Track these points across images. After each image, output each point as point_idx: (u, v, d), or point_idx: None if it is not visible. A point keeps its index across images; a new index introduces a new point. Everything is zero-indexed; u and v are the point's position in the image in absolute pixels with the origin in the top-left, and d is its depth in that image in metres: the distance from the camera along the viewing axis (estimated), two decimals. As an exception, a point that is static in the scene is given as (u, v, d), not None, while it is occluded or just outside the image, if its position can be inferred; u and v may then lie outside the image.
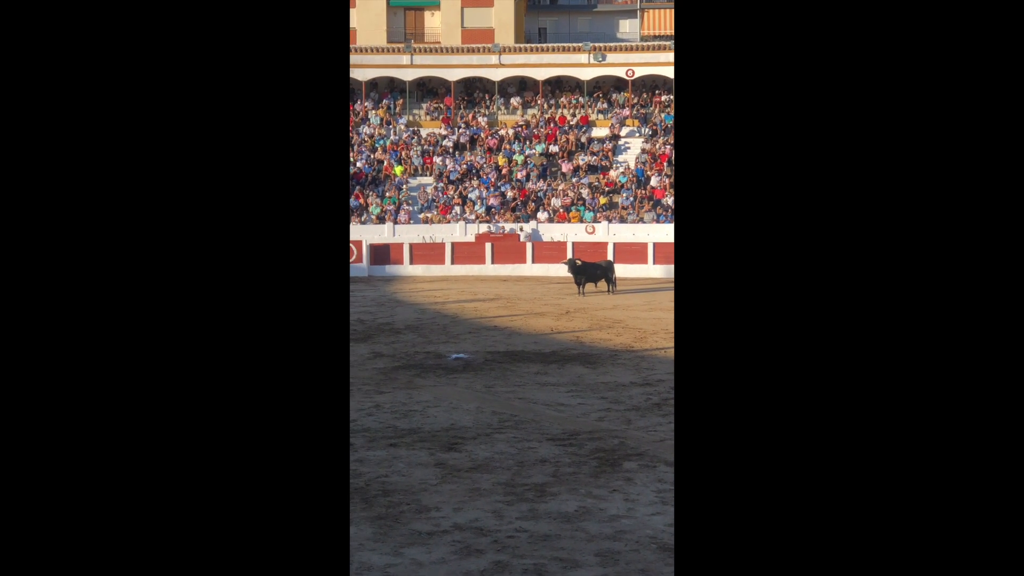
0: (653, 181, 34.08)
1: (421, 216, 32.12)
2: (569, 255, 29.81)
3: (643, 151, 35.40)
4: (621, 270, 29.50)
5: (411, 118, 35.93)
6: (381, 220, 31.48)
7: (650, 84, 37.78)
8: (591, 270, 27.33)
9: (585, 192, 33.77)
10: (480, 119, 35.93)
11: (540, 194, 33.50)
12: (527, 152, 35.07)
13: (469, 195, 32.70)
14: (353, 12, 36.18)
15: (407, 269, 30.23)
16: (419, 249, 30.57)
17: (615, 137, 36.21)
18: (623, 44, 38.63)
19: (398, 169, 33.64)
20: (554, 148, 35.40)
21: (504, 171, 33.78)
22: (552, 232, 32.21)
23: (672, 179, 32.74)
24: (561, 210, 33.11)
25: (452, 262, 30.47)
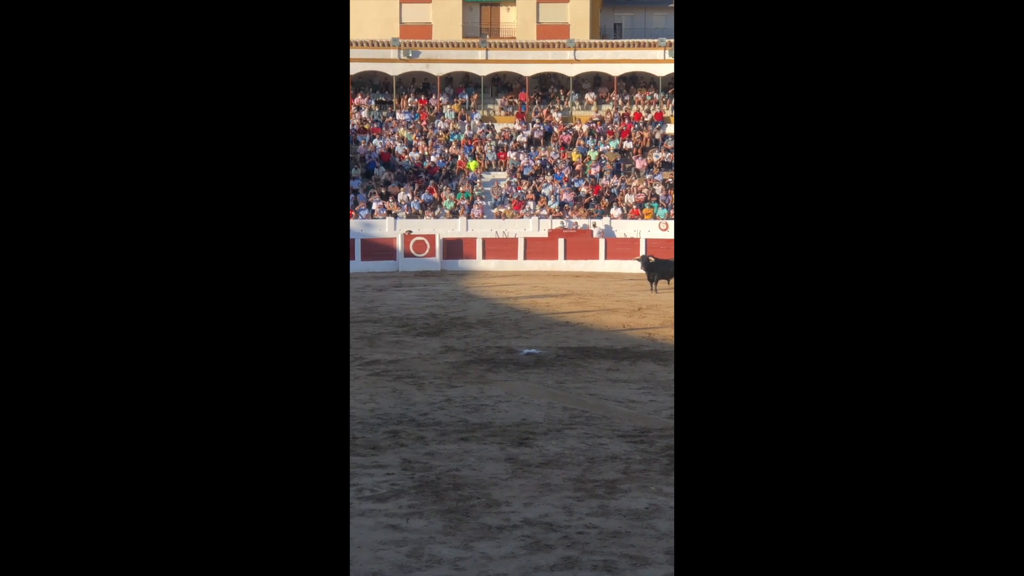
0: (728, 178, 33.70)
1: (494, 211, 32.18)
2: (642, 252, 29.68)
3: (718, 147, 34.99)
4: (694, 267, 29.18)
5: (485, 113, 35.99)
6: (454, 214, 31.60)
7: (726, 80, 37.35)
8: (664, 267, 27.18)
9: (659, 189, 33.59)
10: (554, 114, 35.89)
11: (614, 190, 33.39)
12: (601, 148, 34.97)
13: (542, 190, 32.69)
14: (429, 7, 36.33)
15: (480, 264, 30.30)
16: (492, 244, 30.62)
17: (690, 133, 35.84)
18: (699, 40, 38.19)
19: (472, 164, 33.73)
20: (628, 144, 35.25)
21: (578, 167, 33.72)
22: (625, 228, 32.08)
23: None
24: (634, 206, 32.97)
25: (525, 257, 30.48)
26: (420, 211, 31.50)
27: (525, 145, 34.68)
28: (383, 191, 31.85)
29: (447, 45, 35.85)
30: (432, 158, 33.69)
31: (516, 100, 36.33)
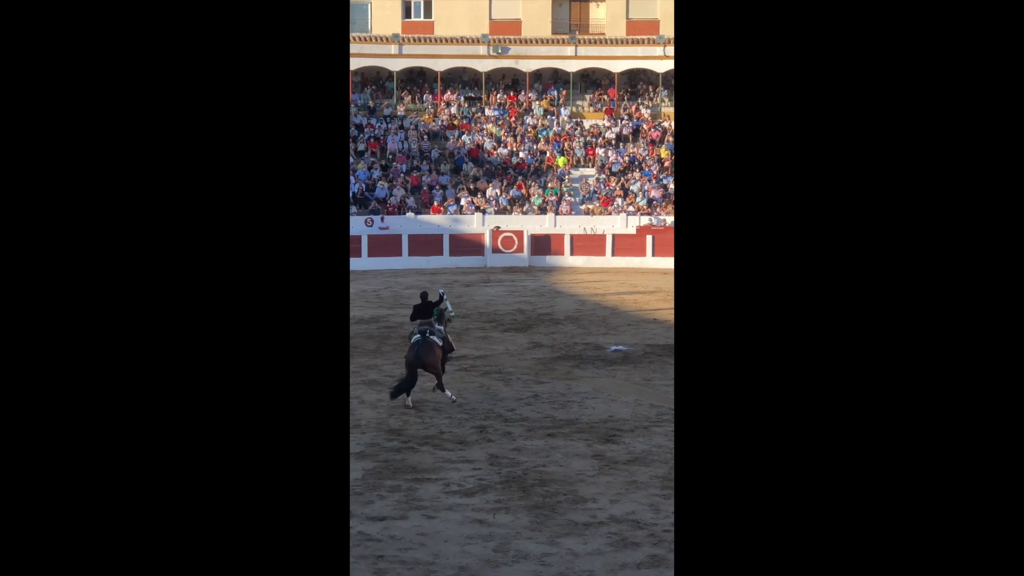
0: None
1: (582, 207, 32.15)
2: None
3: (810, 144, 34.56)
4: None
5: (574, 109, 35.97)
6: (543, 210, 31.63)
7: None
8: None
9: (749, 185, 33.18)
10: (643, 111, 35.73)
11: (703, 186, 33.03)
12: (690, 144, 34.62)
13: (631, 187, 32.56)
14: (519, 4, 36.39)
15: (567, 260, 30.29)
16: (580, 240, 30.58)
17: (781, 129, 35.45)
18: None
19: (561, 160, 33.73)
20: (718, 140, 34.86)
21: (666, 163, 33.51)
22: (714, 225, 31.71)
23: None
24: (724, 203, 32.60)
25: (613, 254, 30.38)
26: (508, 207, 31.59)
27: (614, 141, 34.58)
28: (471, 187, 32.02)
29: (536, 41, 35.89)
30: (521, 154, 33.76)
31: (605, 96, 36.24)
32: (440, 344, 14.58)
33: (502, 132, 34.42)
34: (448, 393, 14.56)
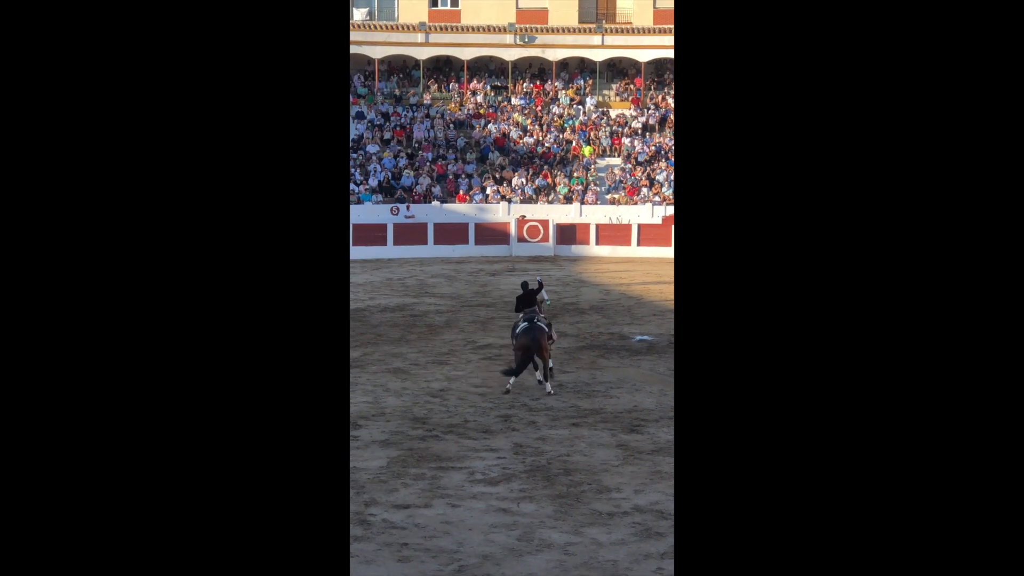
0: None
1: (608, 197, 32.07)
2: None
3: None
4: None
5: (600, 99, 35.87)
6: (568, 200, 31.57)
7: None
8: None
9: (776, 175, 33.02)
10: (670, 100, 35.58)
11: (729, 176, 32.90)
12: (717, 134, 34.46)
13: (657, 177, 32.46)
14: (546, -7, 36.32)
15: (593, 249, 30.23)
16: (605, 230, 30.52)
17: (808, 119, 35.23)
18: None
19: (587, 150, 33.65)
20: (745, 130, 34.69)
21: (693, 153, 33.40)
22: (740, 215, 31.58)
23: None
24: (750, 193, 32.46)
25: (638, 244, 30.30)
26: (534, 196, 31.56)
27: (640, 131, 34.47)
28: (497, 176, 32.00)
29: (563, 30, 35.79)
30: (547, 143, 33.71)
31: (631, 86, 36.12)
32: (547, 331, 14.70)
33: (528, 121, 34.37)
34: (548, 385, 14.54)
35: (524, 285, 15.40)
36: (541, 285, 15.67)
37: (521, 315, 14.95)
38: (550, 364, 14.67)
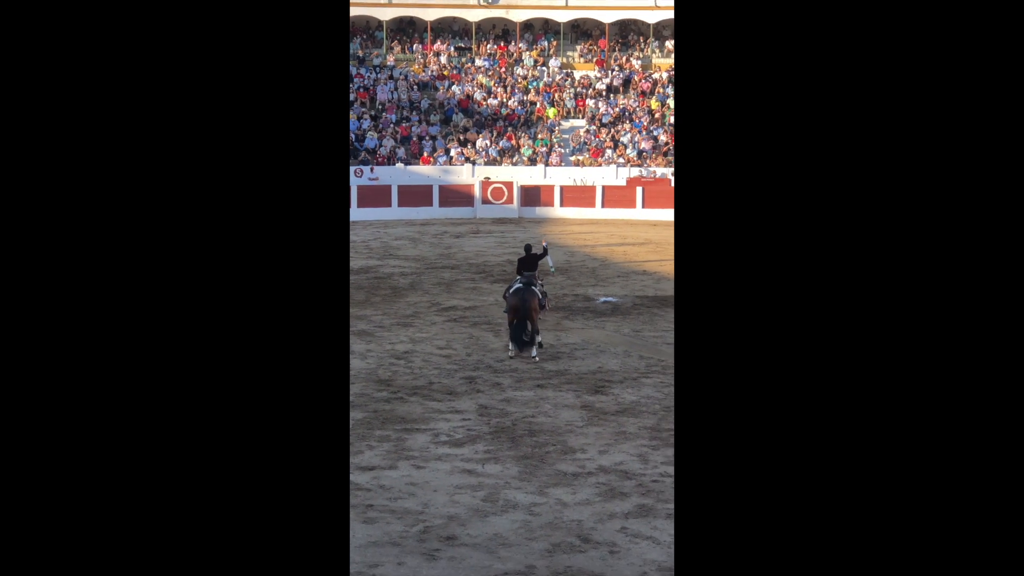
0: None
1: (572, 159, 32.00)
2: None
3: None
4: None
5: (565, 60, 35.70)
6: (532, 162, 31.49)
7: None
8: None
9: (739, 137, 33.04)
10: (634, 62, 35.49)
11: (693, 138, 32.88)
12: (681, 96, 34.43)
13: (621, 139, 32.42)
14: (509, -47, 36.00)
15: (557, 211, 30.19)
16: (569, 192, 30.47)
17: (772, 81, 35.22)
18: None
19: (551, 111, 33.54)
20: (709, 92, 34.64)
21: (657, 115, 33.36)
22: (704, 177, 31.59)
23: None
24: (714, 155, 32.46)
25: (602, 205, 30.30)
26: (498, 158, 31.43)
27: (604, 93, 34.36)
28: (461, 137, 31.84)
29: (527, -9, 35.52)
30: (511, 105, 33.55)
31: (595, 47, 35.97)
32: (540, 296, 14.56)
33: (492, 83, 34.19)
34: (534, 351, 14.44)
35: (527, 248, 15.17)
36: (546, 251, 15.52)
37: (518, 277, 14.82)
38: (538, 331, 14.54)
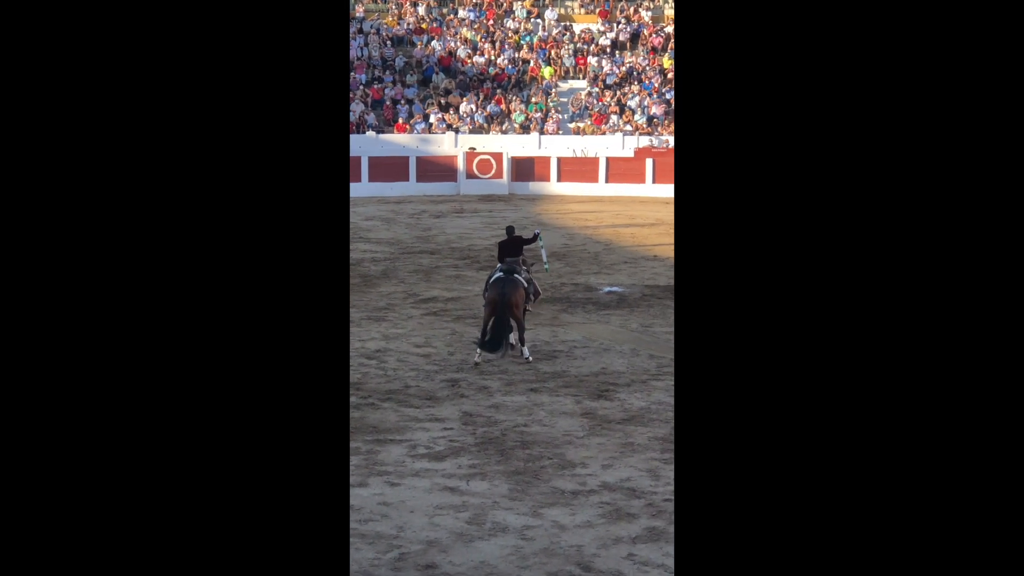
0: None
1: (572, 126, 32.02)
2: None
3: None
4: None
5: (563, 11, 35.71)
6: (525, 129, 31.49)
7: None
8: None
9: (765, 101, 33.16)
10: (643, 13, 35.50)
11: (711, 102, 32.98)
12: (698, 53, 34.51)
13: (628, 102, 32.45)
14: None
15: (554, 187, 30.23)
16: (568, 164, 30.51)
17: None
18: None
19: (547, 71, 33.54)
20: (730, 48, 34.76)
21: (670, 75, 33.39)
22: (724, 147, 31.71)
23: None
24: (736, 122, 32.58)
25: (606, 180, 30.34)
26: (485, 125, 31.45)
27: (609, 49, 34.39)
28: (442, 101, 31.84)
29: (519, -69, 35.53)
30: (500, 63, 33.55)
31: (599, -4, 36.04)
32: (525, 286, 14.26)
33: (478, 37, 34.16)
34: (526, 351, 14.35)
35: (509, 230, 15.06)
36: (536, 237, 15.39)
37: (499, 265, 14.50)
38: (524, 330, 14.37)
